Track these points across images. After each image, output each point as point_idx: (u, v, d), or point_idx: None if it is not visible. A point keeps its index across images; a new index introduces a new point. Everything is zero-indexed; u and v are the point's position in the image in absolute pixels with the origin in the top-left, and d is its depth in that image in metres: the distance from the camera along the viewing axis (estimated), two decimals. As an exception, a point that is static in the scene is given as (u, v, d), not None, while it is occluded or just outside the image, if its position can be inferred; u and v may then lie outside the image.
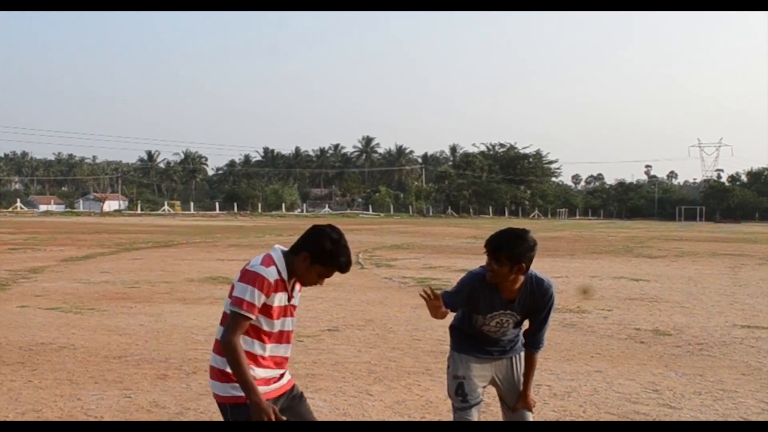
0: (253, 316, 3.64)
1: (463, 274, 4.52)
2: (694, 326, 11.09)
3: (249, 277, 3.64)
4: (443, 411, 6.32)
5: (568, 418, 6.29)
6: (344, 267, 3.74)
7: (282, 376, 3.87)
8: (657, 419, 6.30)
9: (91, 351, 8.64)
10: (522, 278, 4.26)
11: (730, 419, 6.35)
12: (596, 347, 9.39)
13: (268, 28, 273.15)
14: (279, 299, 3.70)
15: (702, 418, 6.37)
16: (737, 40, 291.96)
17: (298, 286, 3.84)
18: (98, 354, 8.50)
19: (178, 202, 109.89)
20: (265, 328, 3.71)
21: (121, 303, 12.57)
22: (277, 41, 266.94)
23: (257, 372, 3.69)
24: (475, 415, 4.45)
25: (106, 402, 6.54)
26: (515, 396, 4.56)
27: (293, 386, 3.93)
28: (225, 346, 3.62)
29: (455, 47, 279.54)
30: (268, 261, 3.69)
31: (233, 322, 3.63)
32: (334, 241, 3.71)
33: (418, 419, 6.22)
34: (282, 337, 3.80)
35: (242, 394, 3.63)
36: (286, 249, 3.79)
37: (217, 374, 3.77)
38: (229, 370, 3.67)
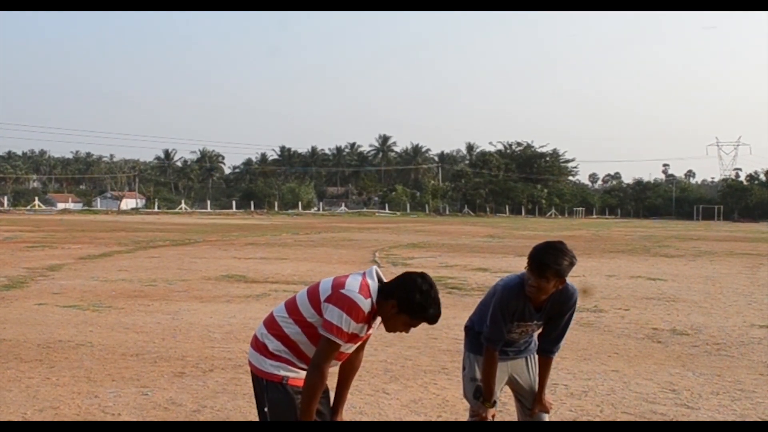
0: (343, 343, 3.62)
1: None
2: (712, 326, 11.03)
3: (345, 303, 3.59)
4: (460, 410, 6.32)
5: (584, 418, 6.26)
6: (432, 319, 3.70)
7: None
8: (674, 419, 6.26)
9: (109, 348, 8.68)
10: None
11: (748, 419, 6.31)
12: (613, 347, 9.35)
13: (284, 27, 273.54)
14: (359, 330, 3.68)
15: (720, 418, 6.33)
16: (755, 37, 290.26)
17: (378, 319, 3.82)
18: (115, 351, 8.54)
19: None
20: None
21: (138, 301, 12.62)
22: (290, 39, 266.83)
23: (303, 374, 3.70)
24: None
25: (123, 399, 6.57)
26: (532, 395, 4.55)
27: None
28: (313, 370, 3.61)
29: (473, 45, 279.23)
30: (366, 292, 3.64)
31: (326, 348, 3.61)
32: (424, 293, 3.66)
33: (435, 418, 6.22)
34: (341, 356, 3.80)
35: (279, 373, 3.68)
36: (381, 276, 3.75)
37: (260, 347, 3.77)
38: (272, 349, 3.70)
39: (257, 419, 3.85)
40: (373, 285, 3.68)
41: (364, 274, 3.73)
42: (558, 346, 4.50)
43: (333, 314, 3.58)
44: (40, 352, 8.47)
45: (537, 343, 4.57)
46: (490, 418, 4.40)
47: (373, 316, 3.74)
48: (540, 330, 4.49)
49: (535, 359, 4.56)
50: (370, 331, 3.80)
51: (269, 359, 3.72)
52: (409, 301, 3.64)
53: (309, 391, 3.60)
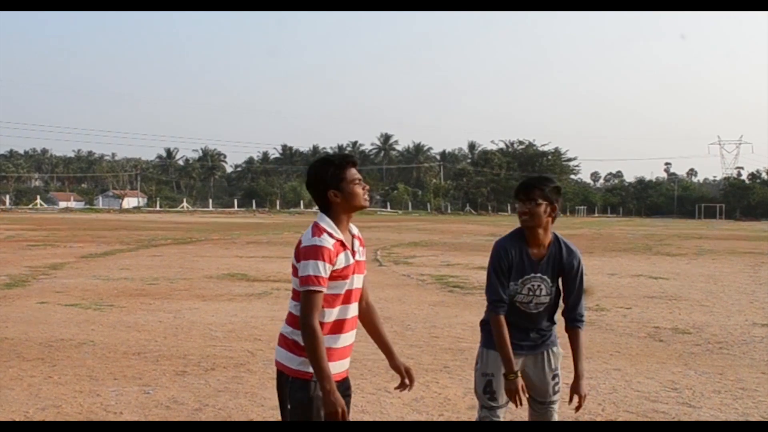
0: (324, 289, 3.61)
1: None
2: (714, 325, 11.02)
3: (308, 252, 3.62)
4: (461, 408, 6.32)
5: (586, 417, 6.24)
6: (346, 159, 3.78)
7: (348, 351, 3.82)
8: (676, 418, 6.26)
9: (111, 347, 8.69)
10: (550, 234, 4.34)
11: (750, 418, 6.31)
12: (615, 345, 9.35)
13: (286, 26, 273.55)
14: (343, 260, 3.69)
15: (721, 417, 6.33)
16: (758, 35, 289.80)
17: (357, 243, 3.83)
18: (117, 350, 8.54)
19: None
20: (329, 292, 3.65)
21: (140, 299, 12.63)
22: (290, 39, 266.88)
23: (331, 371, 3.63)
24: (501, 417, 4.41)
25: (125, 398, 6.57)
26: (543, 390, 4.49)
27: (347, 377, 3.89)
28: (303, 329, 3.59)
29: (474, 43, 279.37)
30: (318, 231, 3.67)
31: (306, 301, 3.59)
32: (322, 163, 3.76)
33: (436, 417, 6.21)
34: (351, 297, 3.78)
35: (309, 371, 3.62)
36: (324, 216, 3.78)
37: (289, 344, 3.74)
38: (302, 342, 3.68)
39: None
40: (324, 221, 3.73)
41: (314, 221, 3.79)
42: (579, 312, 4.39)
43: (303, 267, 3.63)
44: (42, 350, 8.48)
45: (557, 335, 4.50)
46: (521, 391, 4.28)
47: (351, 242, 3.77)
48: (556, 319, 4.44)
49: (553, 353, 4.48)
50: (358, 257, 3.82)
51: (300, 356, 3.70)
52: (325, 177, 3.72)
53: (309, 349, 3.59)
